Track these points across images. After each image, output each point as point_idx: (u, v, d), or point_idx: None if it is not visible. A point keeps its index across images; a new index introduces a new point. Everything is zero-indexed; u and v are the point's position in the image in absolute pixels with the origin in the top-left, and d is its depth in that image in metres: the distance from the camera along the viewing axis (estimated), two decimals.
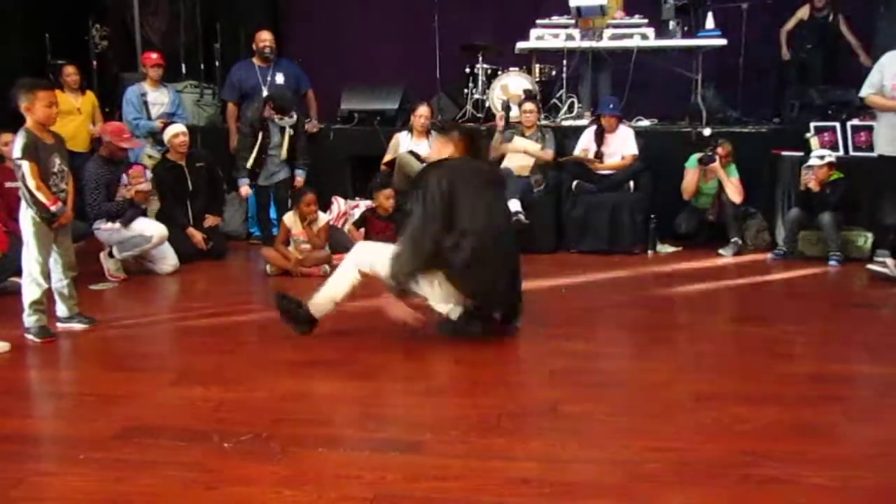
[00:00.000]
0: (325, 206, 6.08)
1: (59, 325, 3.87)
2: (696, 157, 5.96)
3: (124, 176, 5.18)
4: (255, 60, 6.45)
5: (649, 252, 5.96)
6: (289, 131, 5.82)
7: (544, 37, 6.80)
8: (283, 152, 5.84)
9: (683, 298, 4.71)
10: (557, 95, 6.99)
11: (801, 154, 5.88)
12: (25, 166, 3.61)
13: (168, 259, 5.28)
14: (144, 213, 5.36)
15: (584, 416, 2.77)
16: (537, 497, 2.15)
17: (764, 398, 2.91)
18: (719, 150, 5.85)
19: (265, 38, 6.40)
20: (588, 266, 5.47)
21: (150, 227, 5.15)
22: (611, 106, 6.15)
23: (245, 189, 5.90)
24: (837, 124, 5.94)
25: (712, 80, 7.02)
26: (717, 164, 5.83)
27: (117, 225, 5.07)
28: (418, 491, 2.20)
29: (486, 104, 7.07)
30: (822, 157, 5.51)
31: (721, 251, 5.84)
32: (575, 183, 6.05)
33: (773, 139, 6.36)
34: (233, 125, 6.49)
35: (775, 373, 3.23)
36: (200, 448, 2.48)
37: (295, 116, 5.84)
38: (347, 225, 6.11)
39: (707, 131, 6.03)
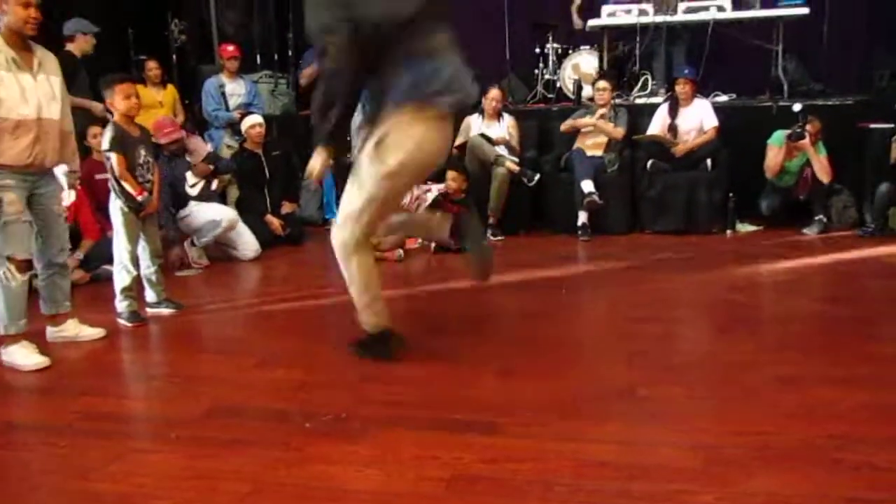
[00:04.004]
0: None
1: (148, 310, 4.06)
2: (781, 133, 5.72)
3: (188, 175, 5.35)
4: None
5: (728, 232, 5.80)
6: None
7: (616, 13, 6.66)
8: None
9: (765, 278, 4.56)
10: (631, 72, 6.85)
11: (891, 126, 5.59)
12: (113, 158, 3.80)
13: (250, 245, 5.45)
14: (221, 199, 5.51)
15: (662, 399, 2.73)
16: (614, 480, 2.13)
17: (852, 380, 2.80)
18: (808, 126, 5.59)
19: None
20: (664, 246, 5.37)
21: (219, 213, 5.32)
22: (686, 71, 5.99)
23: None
24: None
25: (794, 51, 6.74)
26: (807, 141, 5.59)
27: (191, 213, 5.26)
28: (494, 472, 2.21)
29: (558, 84, 6.99)
30: None
31: (805, 230, 5.64)
32: (650, 162, 5.92)
33: (859, 111, 6.07)
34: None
35: (864, 354, 3.10)
36: (284, 428, 2.56)
37: None
38: (421, 209, 6.16)
39: (797, 106, 5.73)
